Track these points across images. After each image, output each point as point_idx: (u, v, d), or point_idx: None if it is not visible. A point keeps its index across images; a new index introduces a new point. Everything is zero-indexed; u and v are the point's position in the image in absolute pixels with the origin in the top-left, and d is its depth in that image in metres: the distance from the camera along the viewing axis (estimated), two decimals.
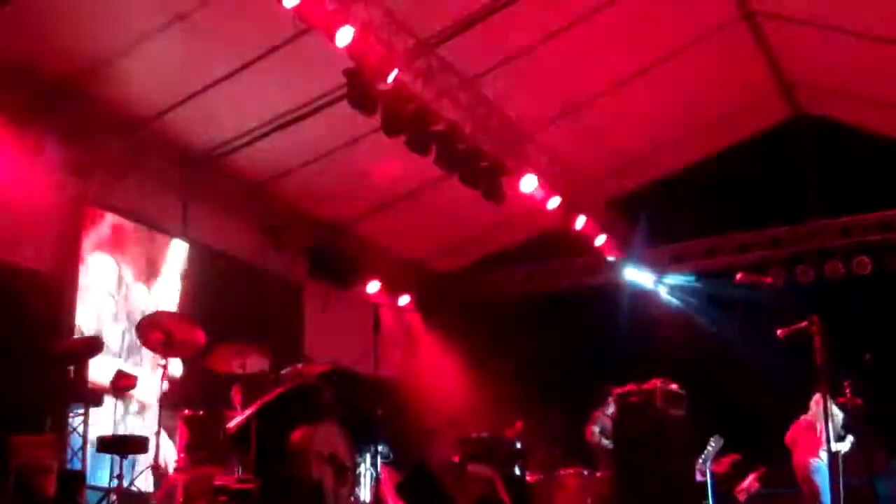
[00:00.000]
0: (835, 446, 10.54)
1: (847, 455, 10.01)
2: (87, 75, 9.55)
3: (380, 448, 9.82)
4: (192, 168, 11.12)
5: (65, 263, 10.08)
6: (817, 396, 10.77)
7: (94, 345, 9.22)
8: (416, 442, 12.10)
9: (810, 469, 10.82)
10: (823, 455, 10.64)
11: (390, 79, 9.30)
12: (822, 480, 10.69)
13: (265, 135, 10.84)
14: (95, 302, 10.01)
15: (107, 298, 10.13)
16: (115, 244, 10.51)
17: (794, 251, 13.82)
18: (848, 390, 8.48)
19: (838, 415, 10.57)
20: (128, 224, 10.69)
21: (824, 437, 10.57)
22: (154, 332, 8.57)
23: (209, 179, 11.36)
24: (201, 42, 9.35)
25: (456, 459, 9.89)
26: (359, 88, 9.20)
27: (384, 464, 10.01)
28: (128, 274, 10.58)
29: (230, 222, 11.83)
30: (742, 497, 11.43)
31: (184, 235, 11.34)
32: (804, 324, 7.85)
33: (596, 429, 10.91)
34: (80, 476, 8.10)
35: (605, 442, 10.51)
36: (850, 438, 10.40)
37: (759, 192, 13.61)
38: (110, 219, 10.48)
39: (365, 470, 9.99)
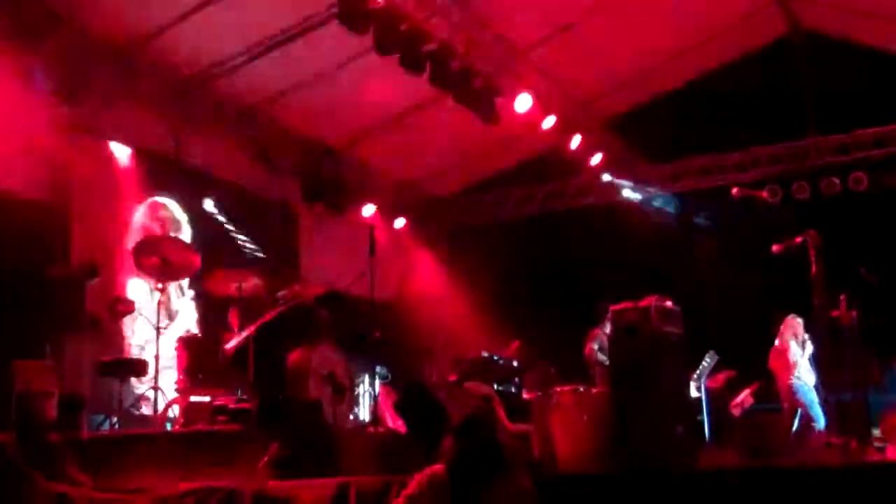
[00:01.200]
0: (804, 363, 10.83)
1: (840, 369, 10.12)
2: (74, 1, 9.42)
3: (377, 369, 9.88)
4: (182, 92, 11.01)
5: (57, 191, 10.05)
6: (786, 319, 11.00)
7: (90, 270, 9.23)
8: (414, 362, 12.18)
9: (792, 390, 10.99)
10: (796, 372, 10.86)
11: None
12: (804, 398, 10.89)
13: (255, 57, 10.71)
14: None
15: None
16: None
17: (791, 168, 13.77)
18: (843, 304, 8.51)
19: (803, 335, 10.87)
20: None
21: (794, 357, 10.81)
22: (150, 256, 8.55)
23: (200, 103, 11.25)
24: None
25: (453, 379, 9.96)
26: (350, 6, 9.09)
27: (382, 384, 10.09)
28: None
29: (223, 146, 11.75)
30: (736, 412, 11.55)
31: (177, 160, 11.26)
32: (800, 239, 7.87)
33: (595, 346, 10.97)
34: (80, 400, 8.15)
35: (603, 358, 10.59)
36: (809, 347, 10.77)
37: (756, 110, 13.52)
38: None
39: (363, 390, 10.08)
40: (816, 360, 10.81)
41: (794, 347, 10.99)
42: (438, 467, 5.12)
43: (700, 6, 12.40)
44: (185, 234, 9.97)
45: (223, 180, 11.83)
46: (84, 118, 10.19)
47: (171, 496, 6.25)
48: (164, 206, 10.25)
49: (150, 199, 10.23)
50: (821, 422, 10.81)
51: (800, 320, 11.06)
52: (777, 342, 11.19)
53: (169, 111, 11.02)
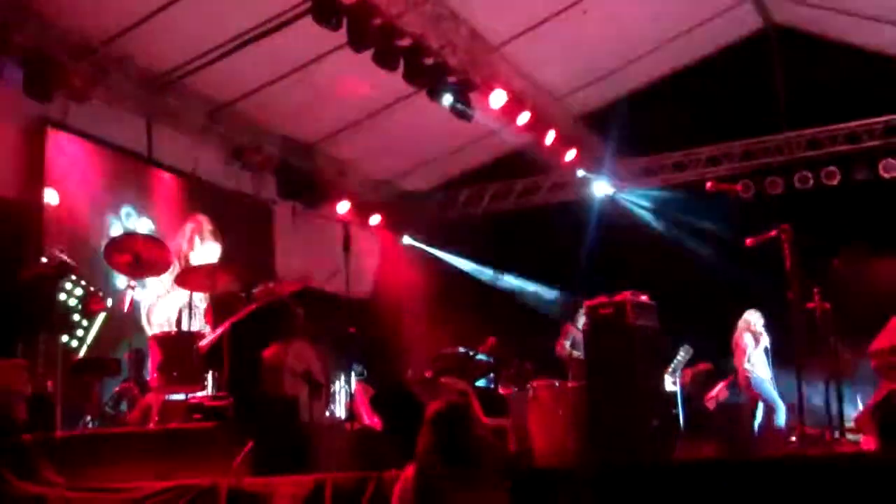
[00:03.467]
0: (756, 355, 10.99)
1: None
2: None
3: (353, 365, 9.85)
4: (154, 89, 10.96)
5: (29, 188, 9.98)
6: (745, 313, 11.17)
7: (62, 269, 9.14)
8: (390, 359, 12.18)
9: (749, 383, 11.12)
10: (748, 367, 11.02)
11: None
12: (759, 389, 11.04)
13: (228, 53, 10.65)
14: None
15: None
16: None
17: (763, 163, 13.86)
18: (817, 296, 8.57)
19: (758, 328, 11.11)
20: None
21: (747, 349, 10.96)
22: (121, 254, 8.44)
23: (173, 100, 11.20)
24: None
25: (429, 375, 9.95)
26: (323, 2, 9.04)
27: (358, 380, 10.07)
28: None
29: (196, 143, 11.70)
30: (711, 405, 11.63)
31: (149, 157, 11.20)
32: (773, 232, 7.91)
33: (567, 342, 11.02)
34: (50, 399, 8.05)
35: (577, 354, 10.62)
36: (764, 340, 11.08)
37: (730, 105, 13.59)
38: None
39: (339, 387, 10.04)
40: (788, 353, 10.91)
41: (746, 339, 11.16)
42: (409, 472, 5.08)
43: (674, 2, 12.45)
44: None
45: (197, 177, 11.77)
46: (54, 115, 10.12)
47: (146, 495, 6.22)
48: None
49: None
50: (781, 414, 10.93)
51: (758, 314, 11.22)
52: (734, 338, 11.33)
53: (141, 108, 10.96)
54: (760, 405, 11.17)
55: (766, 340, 11.09)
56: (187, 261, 8.43)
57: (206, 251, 8.43)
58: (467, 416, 5.16)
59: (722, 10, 13.14)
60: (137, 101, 10.88)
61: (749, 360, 11.08)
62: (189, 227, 8.59)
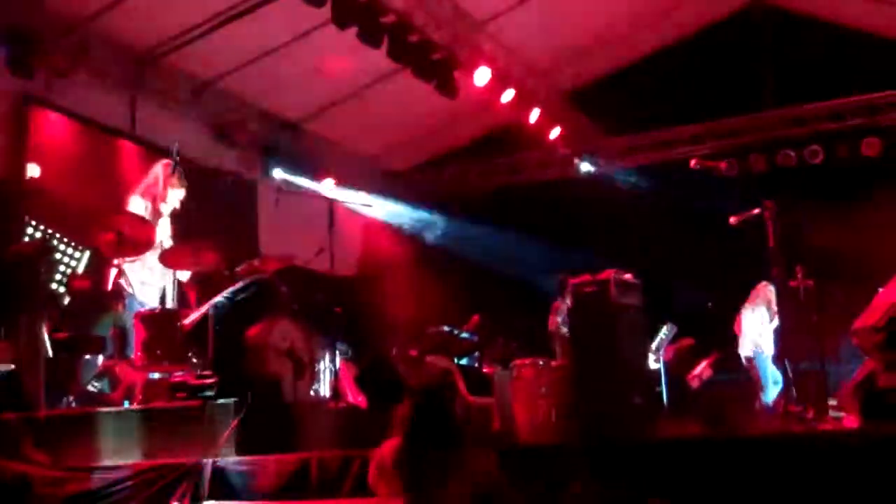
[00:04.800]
0: (767, 331, 10.97)
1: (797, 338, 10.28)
2: None
3: (338, 344, 9.85)
4: (138, 66, 10.89)
5: (12, 165, 9.90)
6: (760, 285, 11.14)
7: (44, 248, 9.09)
8: (375, 337, 12.16)
9: (751, 357, 11.13)
10: (759, 341, 11.01)
11: None
12: (761, 366, 11.04)
13: (212, 30, 10.58)
14: None
15: None
16: None
17: (747, 141, 13.87)
18: (799, 274, 8.62)
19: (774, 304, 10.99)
20: None
21: (763, 324, 10.96)
22: (105, 232, 8.39)
23: (156, 77, 11.14)
24: None
25: (414, 353, 9.95)
26: None
27: (343, 359, 10.07)
28: None
29: (180, 120, 11.62)
30: (695, 383, 11.67)
31: (133, 135, 11.13)
32: (757, 210, 7.93)
33: (558, 319, 11.02)
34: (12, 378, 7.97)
35: (565, 330, 10.62)
36: (776, 320, 10.86)
37: (714, 83, 13.58)
38: None
39: (324, 366, 10.04)
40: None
41: (763, 314, 11.12)
42: (388, 447, 5.08)
43: None
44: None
45: (181, 154, 11.68)
46: (37, 91, 10.04)
47: (131, 474, 6.21)
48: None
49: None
50: (769, 394, 10.96)
51: (772, 288, 11.17)
52: (747, 307, 11.29)
53: (125, 85, 10.89)
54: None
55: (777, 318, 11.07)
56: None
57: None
58: (449, 393, 5.17)
59: None
60: (121, 78, 10.80)
61: (761, 336, 11.07)
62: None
